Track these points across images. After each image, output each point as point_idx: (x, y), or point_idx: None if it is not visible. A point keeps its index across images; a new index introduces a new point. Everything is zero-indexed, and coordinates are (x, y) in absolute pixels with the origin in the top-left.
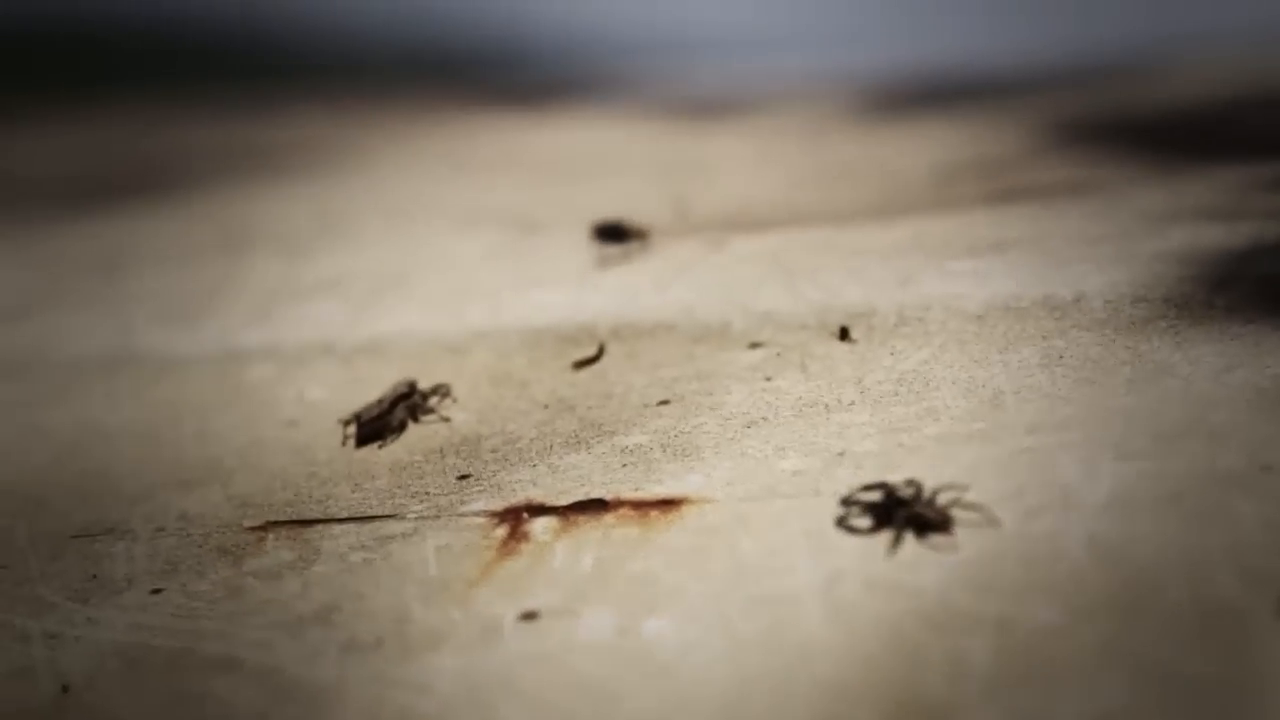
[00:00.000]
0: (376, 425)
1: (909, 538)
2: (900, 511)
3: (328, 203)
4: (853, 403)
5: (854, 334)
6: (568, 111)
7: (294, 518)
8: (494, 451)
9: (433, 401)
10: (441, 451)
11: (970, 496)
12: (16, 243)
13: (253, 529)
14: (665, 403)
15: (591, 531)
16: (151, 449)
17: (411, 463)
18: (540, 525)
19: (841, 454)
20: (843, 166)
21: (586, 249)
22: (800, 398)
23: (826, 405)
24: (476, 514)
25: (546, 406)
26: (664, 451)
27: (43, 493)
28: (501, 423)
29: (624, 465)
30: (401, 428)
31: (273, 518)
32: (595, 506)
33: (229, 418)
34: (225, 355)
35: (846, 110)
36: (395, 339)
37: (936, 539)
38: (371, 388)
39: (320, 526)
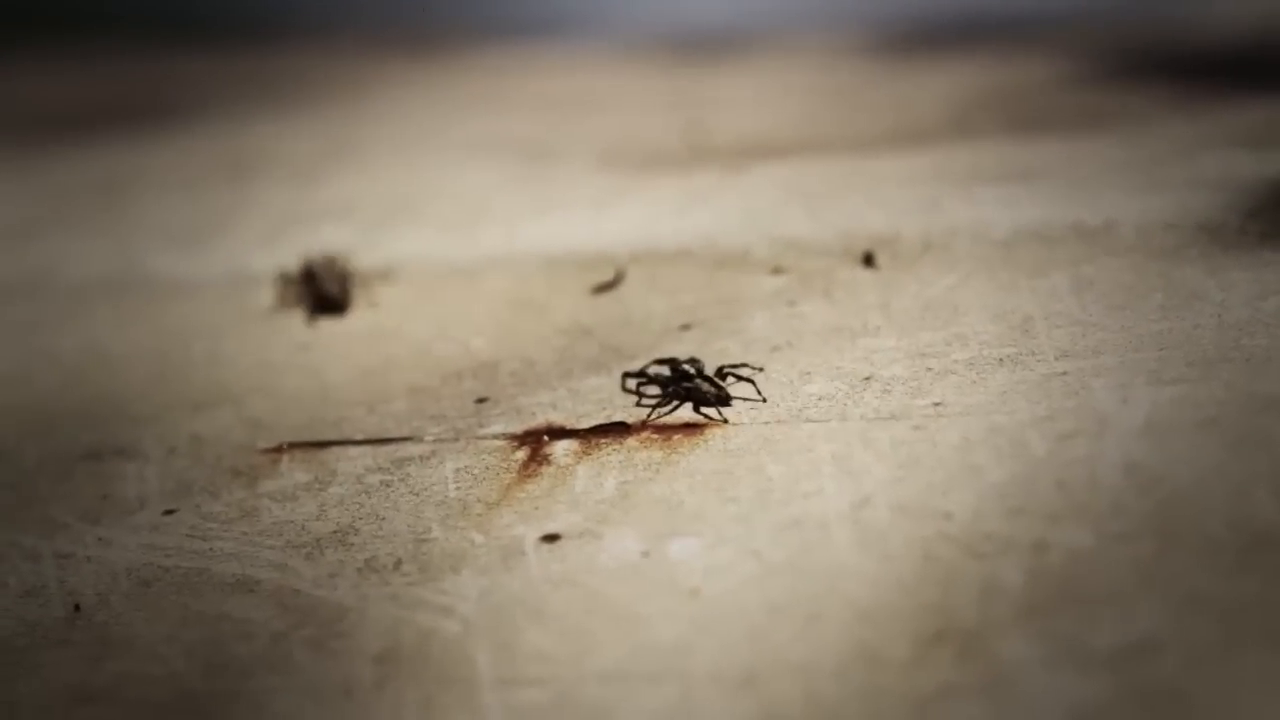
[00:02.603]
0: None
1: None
2: (680, 385)
3: (334, 131)
4: (879, 328)
5: (879, 260)
6: (572, 46)
7: (309, 439)
8: (512, 375)
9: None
10: (459, 375)
11: (750, 373)
12: (20, 167)
13: (267, 451)
14: (686, 327)
15: (613, 454)
16: (161, 372)
17: (428, 386)
18: (561, 448)
19: (868, 378)
20: (860, 98)
21: (603, 178)
22: (825, 323)
23: (852, 330)
24: (496, 437)
25: (565, 331)
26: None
27: (51, 415)
28: (519, 347)
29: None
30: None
31: (287, 439)
32: (617, 429)
33: (239, 341)
34: (234, 279)
35: (860, 45)
36: (407, 262)
37: (712, 411)
38: (384, 311)
39: (336, 448)
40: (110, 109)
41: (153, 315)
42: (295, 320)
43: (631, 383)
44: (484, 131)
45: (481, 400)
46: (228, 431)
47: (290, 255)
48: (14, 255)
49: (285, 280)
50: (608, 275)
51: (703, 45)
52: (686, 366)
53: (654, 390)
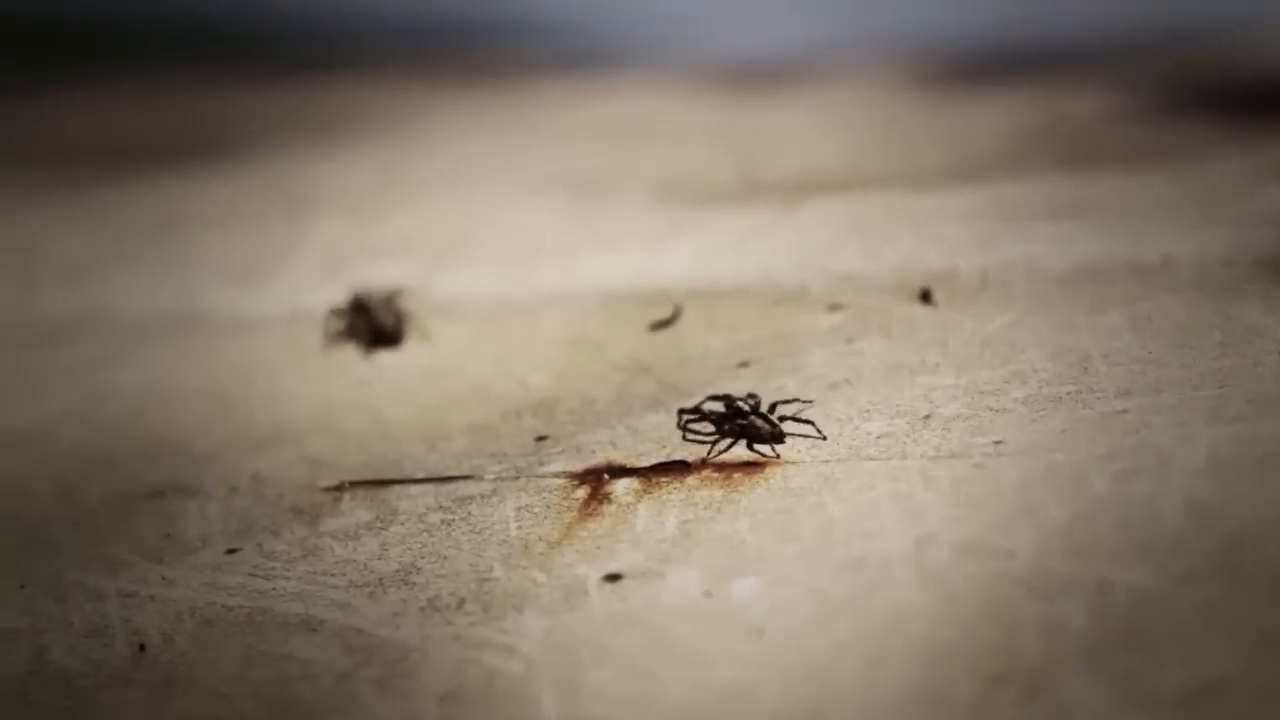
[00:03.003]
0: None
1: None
2: (735, 422)
3: (389, 166)
4: (937, 365)
5: (936, 297)
6: (623, 78)
7: (370, 478)
8: (571, 413)
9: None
10: (518, 413)
11: (808, 413)
12: (78, 205)
13: (328, 489)
14: (744, 365)
15: (674, 493)
16: (221, 409)
17: (487, 424)
18: (621, 486)
19: (928, 417)
20: (911, 131)
21: (658, 212)
22: (883, 360)
23: (910, 368)
24: (556, 475)
25: (623, 369)
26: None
27: (112, 453)
28: (578, 384)
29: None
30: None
31: (348, 478)
32: (677, 468)
33: (298, 378)
34: (293, 316)
35: (909, 76)
36: (466, 300)
37: (766, 448)
38: (443, 349)
39: (397, 487)
40: (165, 144)
41: (212, 352)
42: (353, 358)
43: (686, 419)
44: (536, 165)
45: (541, 438)
46: (289, 470)
47: (348, 292)
48: (73, 292)
49: (336, 314)
50: (665, 312)
51: (752, 76)
52: (741, 404)
53: (709, 428)
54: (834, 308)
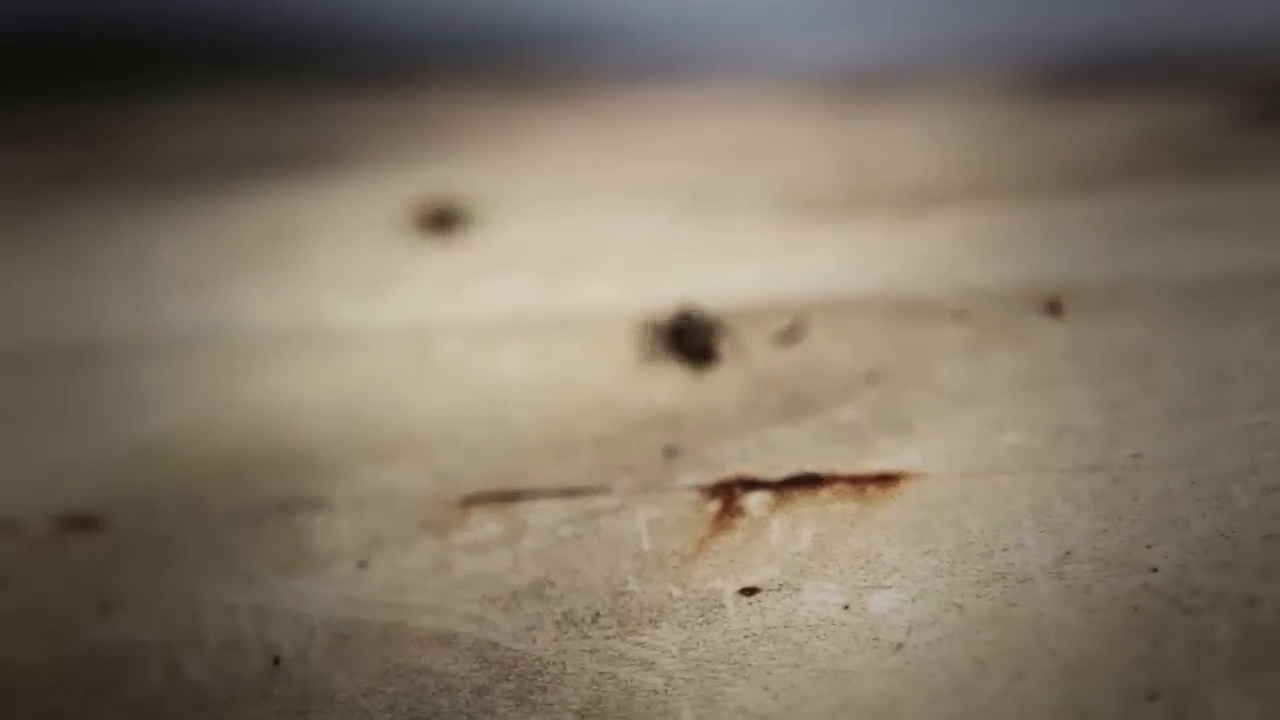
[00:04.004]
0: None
1: None
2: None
3: (499, 176)
4: (1069, 378)
5: (1064, 308)
6: (720, 86)
7: (498, 491)
8: (699, 426)
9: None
10: (644, 425)
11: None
12: (194, 216)
13: (457, 503)
14: (873, 377)
15: (807, 506)
16: (346, 422)
17: (615, 436)
18: (754, 500)
19: (1063, 429)
20: (1024, 139)
21: (775, 224)
22: (1014, 373)
23: (1042, 380)
24: (687, 488)
25: (749, 381)
26: (876, 426)
27: (238, 466)
28: (704, 397)
29: (836, 440)
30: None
31: (476, 491)
32: (810, 481)
33: (423, 391)
34: (413, 328)
35: (1015, 82)
36: (586, 312)
37: None
38: (565, 362)
39: (526, 500)
40: (275, 154)
41: (333, 364)
42: (477, 369)
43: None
44: (647, 176)
45: (670, 451)
46: (416, 483)
47: (470, 305)
48: (191, 305)
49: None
50: (788, 324)
51: (853, 82)
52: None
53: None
54: (960, 320)
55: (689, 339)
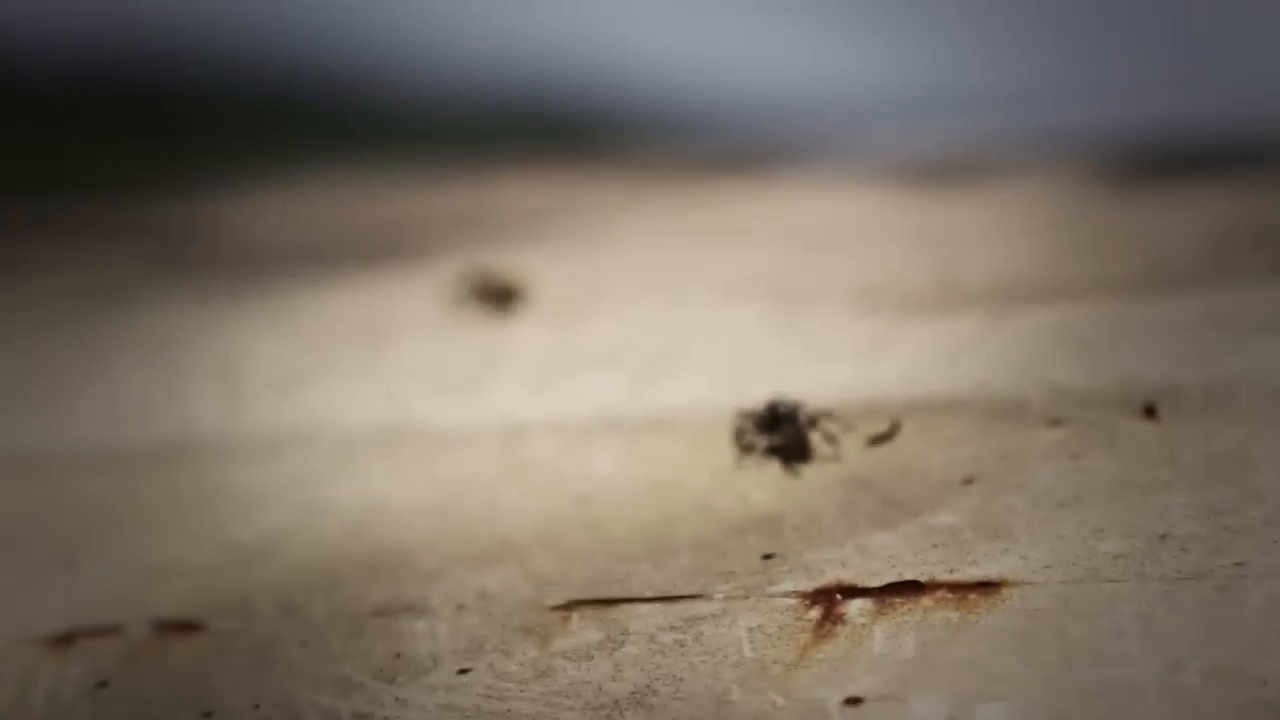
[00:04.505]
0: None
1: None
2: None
3: (585, 267)
4: (1168, 483)
5: (1160, 411)
6: (806, 175)
7: (597, 596)
8: (796, 530)
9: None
10: (742, 529)
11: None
12: (282, 311)
13: (556, 608)
14: (969, 481)
15: (909, 614)
16: (441, 524)
17: (712, 540)
18: (855, 607)
19: (1164, 536)
20: (1109, 234)
21: (863, 320)
22: (1112, 477)
23: (1140, 485)
24: (786, 595)
25: (845, 484)
26: (975, 531)
27: (336, 569)
28: (800, 501)
29: (934, 545)
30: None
31: (575, 596)
32: (910, 588)
33: (517, 492)
34: (506, 428)
35: (1100, 173)
36: (680, 412)
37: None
38: (658, 462)
39: (626, 606)
40: (361, 246)
41: (427, 464)
42: (570, 469)
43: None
44: (731, 269)
45: (768, 556)
46: (514, 587)
47: (561, 403)
48: (282, 404)
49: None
50: (881, 426)
51: (934, 172)
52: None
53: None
54: (1055, 423)
55: (783, 439)
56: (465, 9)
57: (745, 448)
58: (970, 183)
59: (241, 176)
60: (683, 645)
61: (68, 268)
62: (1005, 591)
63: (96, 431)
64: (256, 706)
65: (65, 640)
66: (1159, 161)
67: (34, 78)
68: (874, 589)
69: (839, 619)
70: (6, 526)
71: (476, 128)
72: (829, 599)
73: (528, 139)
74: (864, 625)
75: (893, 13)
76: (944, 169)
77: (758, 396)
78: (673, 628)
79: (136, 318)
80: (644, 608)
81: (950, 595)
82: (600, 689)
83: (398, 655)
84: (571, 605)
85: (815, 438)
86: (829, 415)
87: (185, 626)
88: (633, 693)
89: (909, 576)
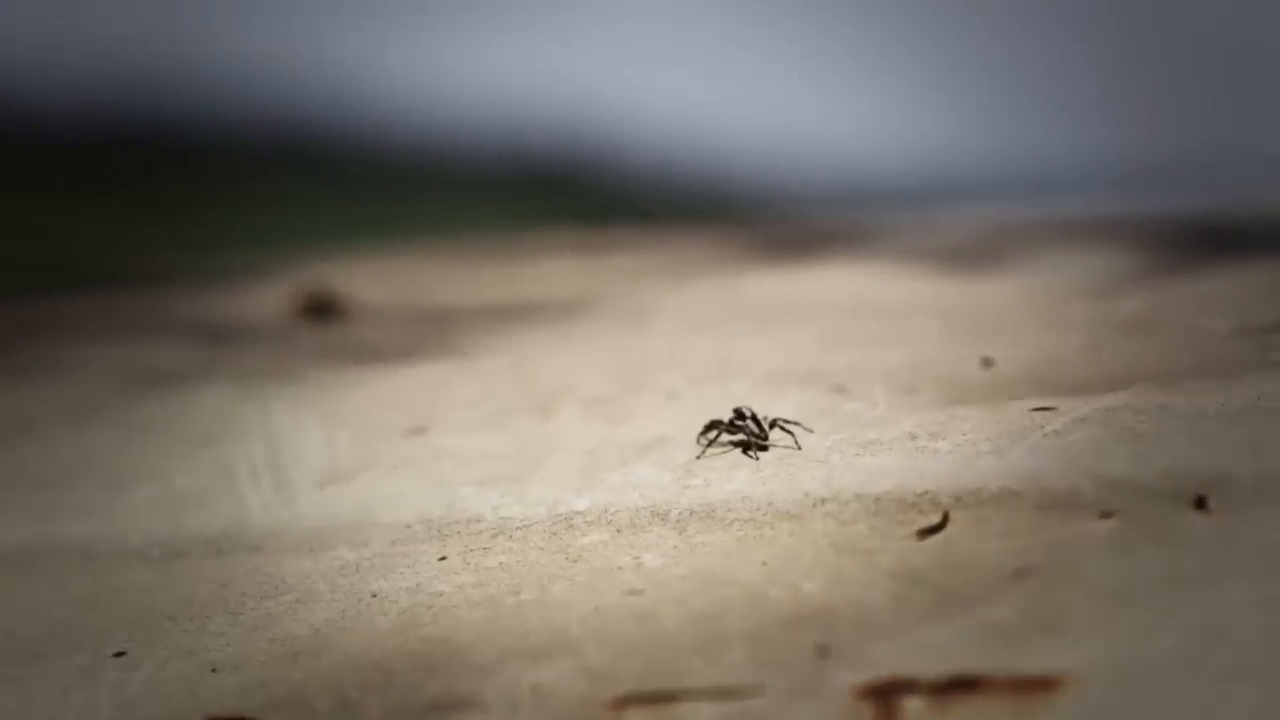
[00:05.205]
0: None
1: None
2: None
3: (625, 358)
4: (1222, 576)
5: (1211, 502)
6: (840, 261)
7: (652, 691)
8: (849, 623)
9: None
10: (795, 622)
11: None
12: (325, 401)
13: (611, 703)
14: (1021, 573)
15: (967, 710)
16: (493, 617)
17: (765, 634)
18: (912, 703)
19: (1220, 631)
20: (1148, 321)
21: (910, 409)
22: (1165, 571)
23: (1193, 579)
24: (842, 690)
25: (896, 576)
26: (1028, 625)
27: (389, 663)
28: (852, 594)
29: (988, 640)
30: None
31: (629, 690)
32: (966, 684)
33: (566, 584)
34: (555, 520)
35: (1140, 256)
36: (729, 504)
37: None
38: (708, 554)
39: (680, 701)
40: (402, 339)
41: (476, 557)
42: (621, 561)
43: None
44: (771, 354)
45: (822, 650)
46: (569, 682)
47: (610, 494)
48: (330, 494)
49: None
50: (931, 518)
51: (973, 255)
52: (743, 409)
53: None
54: (1106, 514)
55: (744, 434)
56: (523, 93)
57: (710, 442)
58: (1003, 266)
59: (286, 260)
60: None
61: (111, 360)
62: (1061, 687)
63: (146, 523)
64: None
65: None
66: (1201, 244)
67: (51, 146)
68: (930, 685)
69: (895, 714)
70: (58, 619)
71: (517, 211)
72: (885, 694)
73: (564, 221)
74: None
75: (930, 98)
76: (982, 254)
77: (806, 487)
78: None
79: (182, 409)
80: (698, 703)
81: (1006, 691)
82: None
83: None
84: (626, 700)
85: (775, 434)
86: (877, 509)
87: None
88: None
89: (964, 672)
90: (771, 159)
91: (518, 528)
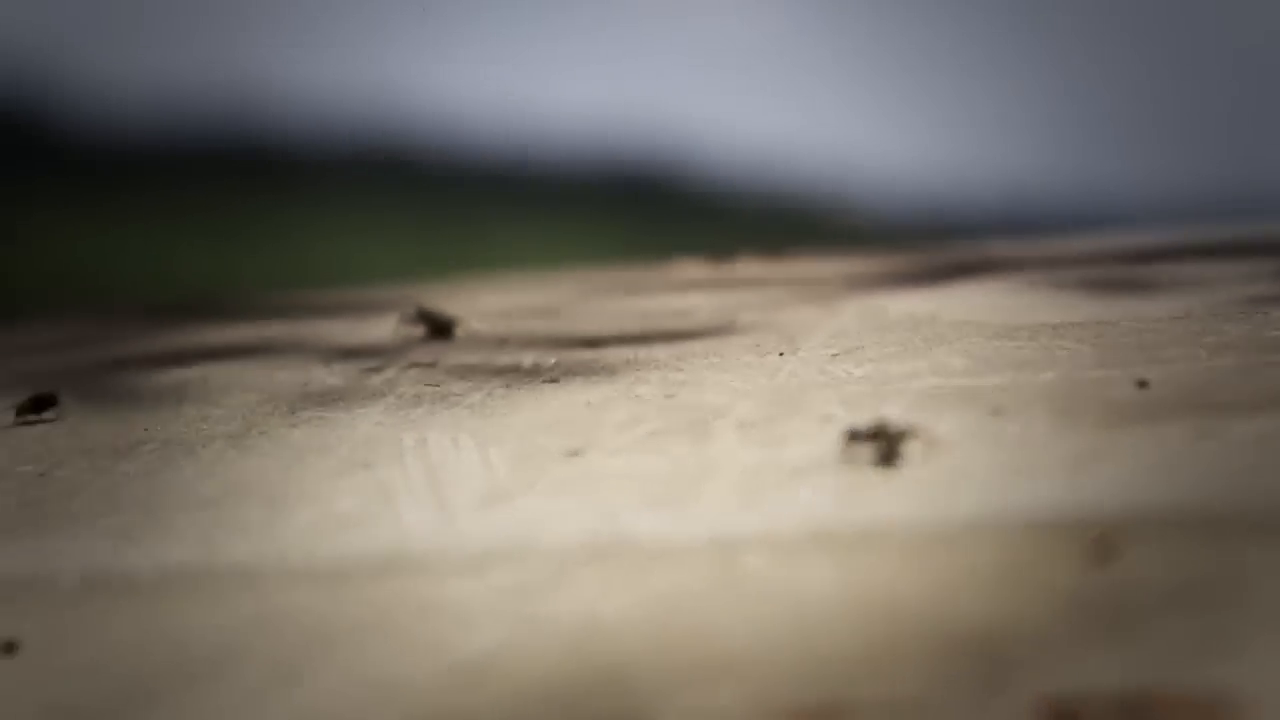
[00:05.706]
0: None
1: None
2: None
3: (775, 381)
4: None
5: None
6: (983, 283)
7: (818, 711)
8: (1020, 644)
9: None
10: (963, 643)
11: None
12: (488, 420)
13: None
14: (1191, 595)
15: None
16: (657, 641)
17: (934, 654)
18: None
19: None
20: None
21: (1068, 431)
22: None
23: None
24: (1015, 711)
25: (1065, 598)
26: (1201, 648)
27: (554, 686)
28: (1021, 615)
29: (1160, 663)
30: None
31: (797, 712)
32: (1140, 707)
33: (729, 607)
34: (716, 542)
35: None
36: (892, 526)
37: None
38: (872, 576)
39: (859, 714)
40: (556, 358)
41: (639, 580)
42: (783, 584)
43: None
44: (927, 377)
45: (991, 670)
46: (735, 705)
47: (771, 516)
48: (490, 520)
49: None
50: (1097, 541)
51: (1108, 274)
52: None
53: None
54: (1276, 535)
55: (883, 444)
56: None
57: (850, 448)
58: (1154, 288)
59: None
60: None
61: (263, 383)
62: (1238, 714)
63: (309, 545)
64: None
65: None
66: None
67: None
68: (1101, 708)
69: None
70: (225, 643)
71: (655, 234)
72: (1058, 716)
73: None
74: None
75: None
76: (1127, 276)
77: (970, 509)
78: None
79: (336, 430)
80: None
81: (1180, 714)
82: None
83: None
84: (801, 716)
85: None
86: (1042, 533)
87: None
88: None
89: (1136, 695)
90: (916, 186)
91: (679, 550)
